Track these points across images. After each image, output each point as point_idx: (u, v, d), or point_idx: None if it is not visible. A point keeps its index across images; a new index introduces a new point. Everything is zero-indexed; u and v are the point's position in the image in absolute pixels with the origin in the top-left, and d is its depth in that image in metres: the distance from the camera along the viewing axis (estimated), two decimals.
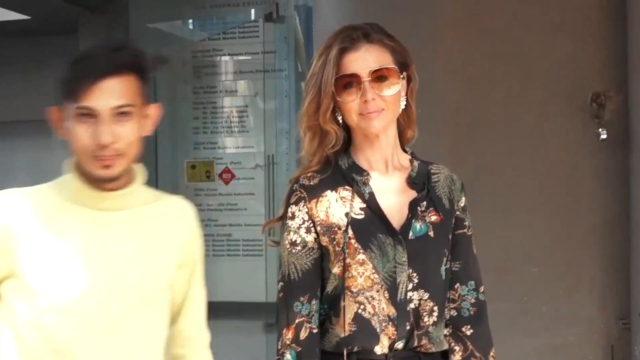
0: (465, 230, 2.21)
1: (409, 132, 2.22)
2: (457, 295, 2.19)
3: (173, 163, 6.39)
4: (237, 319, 6.01)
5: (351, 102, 2.09)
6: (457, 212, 2.20)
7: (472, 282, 2.20)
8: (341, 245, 2.07)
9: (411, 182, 2.17)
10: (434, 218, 2.14)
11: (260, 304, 5.91)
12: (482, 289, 2.21)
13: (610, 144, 3.93)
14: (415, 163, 2.21)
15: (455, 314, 2.18)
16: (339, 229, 2.08)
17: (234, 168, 6.27)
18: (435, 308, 2.11)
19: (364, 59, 2.09)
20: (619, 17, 3.92)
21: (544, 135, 3.98)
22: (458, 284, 2.19)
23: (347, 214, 2.09)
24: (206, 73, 6.32)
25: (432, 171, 2.22)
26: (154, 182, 6.27)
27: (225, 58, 6.29)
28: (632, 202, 3.92)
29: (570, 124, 3.99)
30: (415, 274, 2.09)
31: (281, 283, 2.13)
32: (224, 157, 6.33)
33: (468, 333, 2.18)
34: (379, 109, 2.09)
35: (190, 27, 6.72)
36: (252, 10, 6.07)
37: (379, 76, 2.09)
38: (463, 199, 2.22)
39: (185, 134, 6.35)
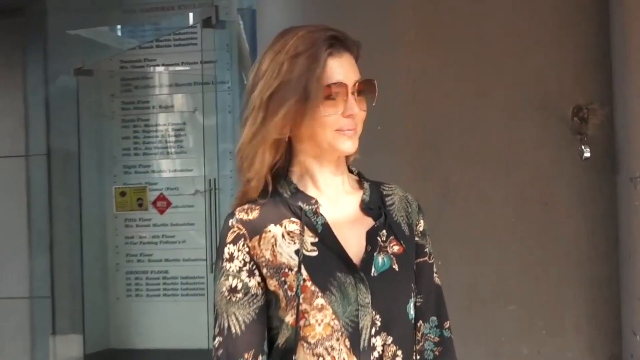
0: (427, 258, 2.19)
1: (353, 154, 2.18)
2: (419, 334, 2.14)
3: (99, 189, 6.35)
4: None
5: (332, 115, 2.04)
6: (417, 238, 2.17)
7: (435, 318, 2.18)
8: (294, 289, 2.00)
9: (365, 207, 2.14)
10: (396, 249, 2.11)
11: (203, 352, 5.84)
12: (447, 324, 2.19)
13: (594, 164, 3.98)
14: (366, 185, 2.18)
15: (419, 357, 2.13)
16: (290, 270, 2.01)
17: (170, 195, 6.26)
18: (399, 352, 2.06)
19: (348, 68, 2.07)
20: (602, 24, 4.00)
21: (518, 155, 4.02)
22: (420, 322, 2.15)
23: (297, 252, 2.03)
24: (137, 86, 6.30)
25: (384, 192, 2.19)
26: (77, 211, 6.29)
27: (159, 69, 6.29)
28: (620, 230, 3.98)
29: (548, 142, 4.04)
30: (378, 316, 2.03)
31: (219, 338, 2.05)
32: (159, 182, 6.31)
33: None
34: (355, 127, 2.07)
35: (119, 34, 6.66)
36: (190, 15, 6.05)
37: (360, 89, 2.07)
38: (422, 222, 2.20)
39: (113, 156, 6.31)
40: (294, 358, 2.02)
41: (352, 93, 2.05)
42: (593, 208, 4.05)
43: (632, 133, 3.93)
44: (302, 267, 2.01)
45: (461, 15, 3.99)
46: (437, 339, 2.18)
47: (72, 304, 6.36)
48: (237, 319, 2.03)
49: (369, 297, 2.02)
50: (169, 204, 6.27)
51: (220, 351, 2.04)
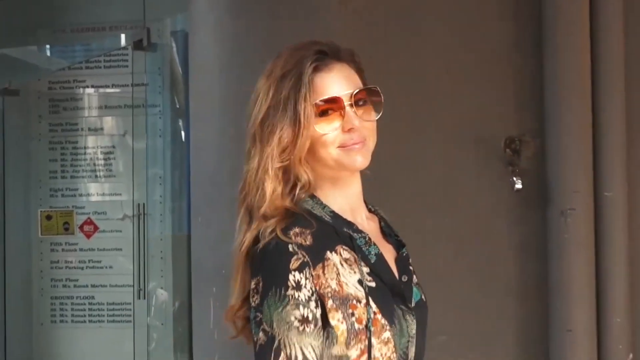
0: None
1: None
2: None
3: (24, 212, 6.28)
4: None
5: (331, 132, 1.97)
6: None
7: None
8: (363, 322, 1.92)
9: (386, 234, 2.10)
10: (416, 279, 2.10)
11: None
12: None
13: (525, 196, 4.04)
14: (371, 207, 2.14)
15: None
16: (359, 301, 1.93)
17: (98, 219, 6.18)
18: None
19: (340, 80, 2.00)
20: (535, 59, 4.06)
21: (453, 187, 4.06)
22: None
23: (360, 282, 1.95)
24: (65, 107, 6.22)
25: (382, 216, 2.16)
26: (0, 234, 6.22)
27: (89, 90, 6.23)
28: (550, 263, 4.04)
29: (482, 174, 4.09)
30: (414, 348, 2.03)
31: None
32: (86, 206, 6.23)
33: None
34: (363, 139, 1.99)
35: (48, 53, 6.61)
36: (122, 36, 6.02)
37: (360, 99, 2.00)
38: None
39: (39, 179, 6.24)
40: None
41: (351, 105, 1.97)
42: (524, 240, 4.11)
43: (563, 166, 4.02)
44: (370, 299, 1.94)
45: (395, 51, 4.01)
46: None
47: None
48: (314, 350, 1.90)
49: (415, 328, 2.02)
50: (96, 228, 6.20)
51: None
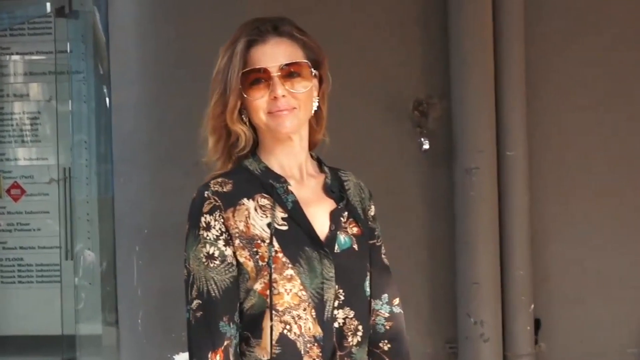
0: (376, 240, 2.33)
1: (317, 137, 2.32)
2: (371, 311, 2.26)
3: None
4: (31, 355, 6.02)
5: (259, 99, 2.17)
6: (369, 222, 2.32)
7: (386, 295, 2.29)
8: (266, 260, 2.12)
9: (328, 190, 2.27)
10: (355, 230, 2.25)
11: (56, 337, 5.94)
12: (396, 301, 2.31)
13: (432, 155, 4.21)
14: (326, 169, 2.32)
15: (372, 332, 2.26)
16: (263, 241, 2.13)
17: (25, 183, 6.25)
18: (360, 327, 2.20)
19: (273, 53, 2.17)
20: (440, 21, 4.21)
21: (364, 148, 4.21)
22: (371, 299, 2.27)
23: (269, 225, 2.15)
24: None
25: (342, 178, 2.34)
26: None
27: (15, 57, 6.27)
28: (457, 219, 4.23)
29: (391, 134, 4.24)
30: (341, 291, 2.17)
31: (198, 301, 2.13)
32: (13, 170, 6.30)
33: (386, 348, 2.29)
34: (290, 107, 2.17)
35: None
36: (48, 4, 6.01)
37: (290, 72, 2.18)
38: (372, 207, 2.36)
39: None
40: (262, 324, 2.14)
41: (279, 77, 2.16)
42: (432, 197, 4.28)
43: (468, 126, 4.19)
44: (274, 239, 2.13)
45: (305, 9, 4.06)
46: (387, 314, 2.29)
47: None
48: (215, 284, 2.13)
49: (333, 272, 2.16)
50: (23, 191, 6.26)
51: (200, 313, 2.13)
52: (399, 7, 4.27)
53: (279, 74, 2.17)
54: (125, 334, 4.60)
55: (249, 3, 4.12)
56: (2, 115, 6.27)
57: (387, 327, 2.29)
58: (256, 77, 2.17)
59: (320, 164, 2.33)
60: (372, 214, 2.36)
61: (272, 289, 2.12)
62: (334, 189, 2.28)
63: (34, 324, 6.20)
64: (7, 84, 6.27)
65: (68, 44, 5.84)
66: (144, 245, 4.37)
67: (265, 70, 2.17)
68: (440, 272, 4.29)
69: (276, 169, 2.23)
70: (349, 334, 2.19)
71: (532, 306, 4.28)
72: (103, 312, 5.29)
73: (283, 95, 2.17)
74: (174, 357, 4.26)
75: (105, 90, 5.25)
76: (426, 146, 4.20)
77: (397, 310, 2.31)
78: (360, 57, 4.22)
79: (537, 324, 4.30)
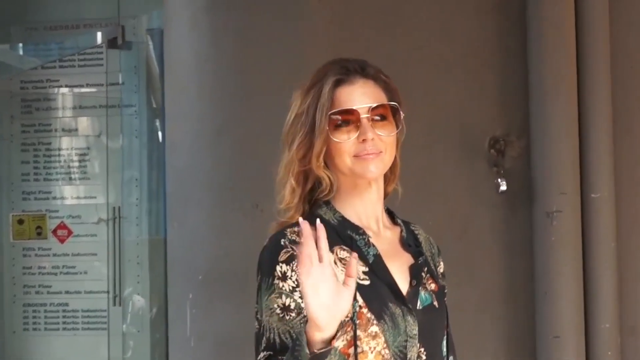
0: (446, 299, 2.33)
1: (390, 186, 2.33)
2: None
3: None
4: None
5: (346, 141, 2.17)
6: (439, 279, 2.33)
7: (451, 358, 2.31)
8: (350, 316, 2.08)
9: (405, 243, 2.28)
10: (433, 286, 2.26)
11: None
12: None
13: (510, 197, 4.09)
14: (399, 221, 2.32)
15: None
16: None
17: (72, 223, 6.15)
18: None
19: (361, 94, 2.19)
20: (520, 57, 4.11)
21: (436, 190, 4.10)
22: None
23: None
24: (38, 108, 6.20)
25: (415, 232, 2.35)
26: None
27: (63, 90, 6.21)
28: (536, 266, 4.08)
29: (465, 175, 4.14)
30: (422, 349, 2.17)
31: (268, 352, 2.09)
32: (60, 209, 6.20)
33: None
34: (378, 150, 2.18)
35: (20, 52, 6.59)
36: (99, 34, 6.00)
37: (379, 114, 2.20)
38: (442, 264, 2.39)
39: (11, 182, 6.21)
40: None
41: (368, 119, 2.17)
42: (509, 243, 4.15)
43: (549, 166, 4.07)
44: (357, 294, 2.09)
45: (375, 46, 4.04)
46: None
47: None
48: (291, 337, 2.07)
49: (417, 329, 2.16)
50: (70, 232, 6.19)
51: None
52: (474, 40, 4.19)
53: (368, 115, 2.17)
54: None
55: (308, 35, 4.07)
56: (50, 151, 6.20)
57: None
58: (344, 119, 2.18)
59: (392, 216, 2.34)
60: (442, 271, 2.39)
61: (356, 346, 2.09)
62: (410, 243, 2.30)
63: None
64: (56, 118, 6.19)
65: (120, 75, 5.82)
66: (198, 292, 4.26)
67: (354, 112, 2.17)
68: (518, 324, 4.16)
69: (353, 219, 2.23)
70: None
71: None
72: None
73: (372, 139, 2.17)
74: None
75: (158, 124, 5.25)
76: (503, 187, 4.08)
77: None
78: (434, 93, 4.13)
79: None
